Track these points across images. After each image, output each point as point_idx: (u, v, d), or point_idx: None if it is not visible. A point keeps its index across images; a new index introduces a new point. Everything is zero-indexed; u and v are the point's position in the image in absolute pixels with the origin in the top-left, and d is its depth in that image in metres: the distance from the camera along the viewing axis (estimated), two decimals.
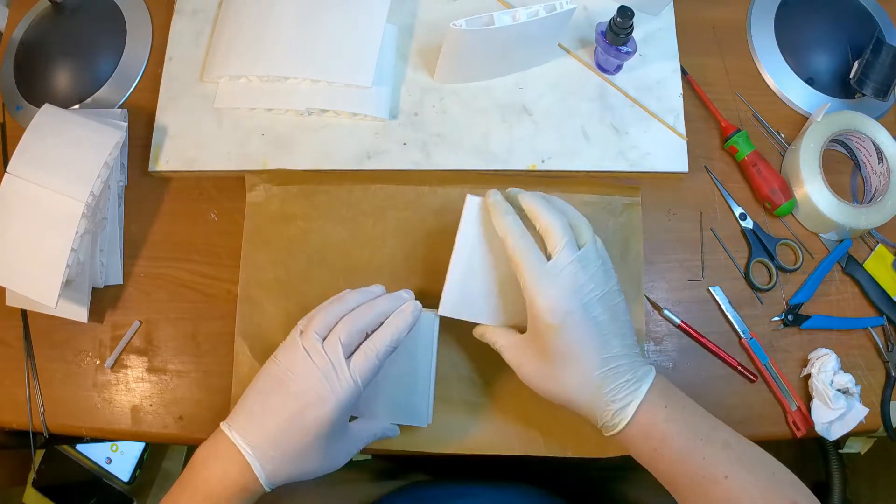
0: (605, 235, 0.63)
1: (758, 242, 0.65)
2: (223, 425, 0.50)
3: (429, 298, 0.57)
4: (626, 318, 0.51)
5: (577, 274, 0.48)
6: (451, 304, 0.55)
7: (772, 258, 0.65)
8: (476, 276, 0.54)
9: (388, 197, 0.65)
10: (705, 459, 0.47)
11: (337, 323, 0.51)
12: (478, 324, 0.56)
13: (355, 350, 0.51)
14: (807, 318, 0.63)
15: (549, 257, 0.49)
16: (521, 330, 0.52)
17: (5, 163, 0.67)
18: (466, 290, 0.54)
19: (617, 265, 0.62)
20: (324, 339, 0.50)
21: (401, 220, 0.64)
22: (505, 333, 0.53)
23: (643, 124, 0.66)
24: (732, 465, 0.47)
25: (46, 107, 0.62)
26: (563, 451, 0.59)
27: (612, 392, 0.48)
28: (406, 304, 0.53)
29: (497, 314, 0.55)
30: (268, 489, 0.50)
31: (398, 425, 0.58)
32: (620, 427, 0.48)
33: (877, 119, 0.66)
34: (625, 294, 0.61)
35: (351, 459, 0.54)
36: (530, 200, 0.51)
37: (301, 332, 0.52)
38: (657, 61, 0.68)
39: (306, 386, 0.49)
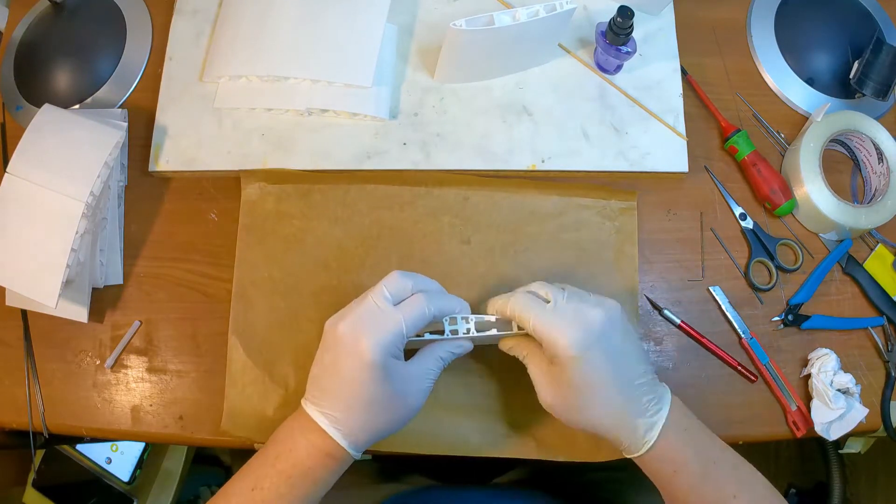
0: (600, 239, 0.64)
1: (758, 242, 0.65)
2: (302, 400, 0.51)
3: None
4: (639, 341, 0.52)
5: (580, 307, 0.49)
6: None
7: (772, 258, 0.65)
8: None
9: (384, 197, 0.65)
10: (717, 481, 0.49)
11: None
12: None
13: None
14: (807, 318, 0.63)
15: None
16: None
17: (5, 163, 0.66)
18: None
19: (611, 269, 0.63)
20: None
21: (396, 221, 0.64)
22: (534, 353, 0.52)
23: (643, 124, 0.66)
24: (741, 486, 0.49)
25: (46, 107, 0.62)
26: (555, 455, 0.59)
27: (636, 414, 0.49)
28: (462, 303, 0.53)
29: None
30: (354, 452, 0.50)
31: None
32: (645, 450, 0.49)
33: (877, 119, 0.66)
34: (619, 297, 0.61)
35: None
36: (501, 302, 0.52)
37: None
38: (657, 61, 0.68)
39: (349, 334, 0.48)
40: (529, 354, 0.52)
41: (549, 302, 0.50)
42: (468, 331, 0.53)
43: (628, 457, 0.50)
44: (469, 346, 0.54)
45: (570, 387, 0.49)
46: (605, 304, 0.50)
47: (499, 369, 0.61)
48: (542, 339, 0.49)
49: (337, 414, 0.49)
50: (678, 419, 0.50)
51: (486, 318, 0.54)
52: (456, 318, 0.53)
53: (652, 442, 0.48)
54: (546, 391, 0.51)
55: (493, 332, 0.54)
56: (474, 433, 0.60)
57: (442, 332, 0.53)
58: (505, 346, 0.55)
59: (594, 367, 0.48)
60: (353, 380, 0.48)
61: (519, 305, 0.50)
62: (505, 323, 0.54)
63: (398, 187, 0.65)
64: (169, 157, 0.67)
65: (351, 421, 0.49)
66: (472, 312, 0.54)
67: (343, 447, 0.49)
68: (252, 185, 0.65)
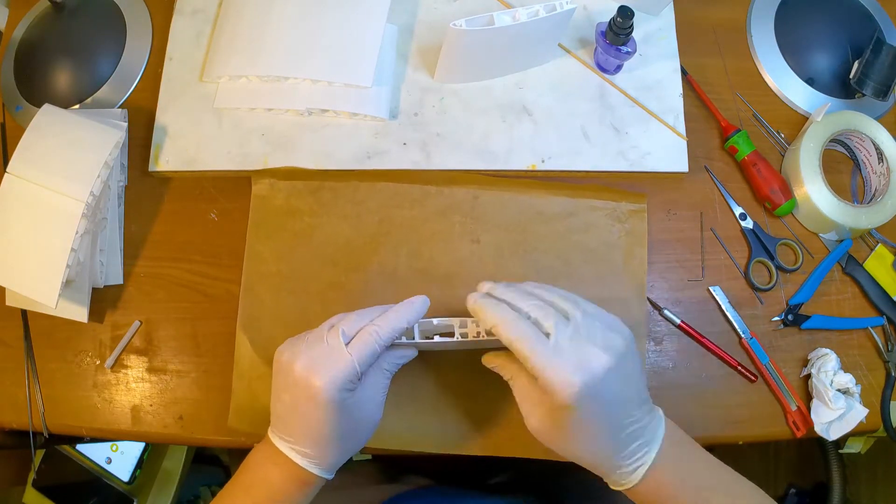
0: (609, 241, 0.63)
1: (758, 242, 0.65)
2: (269, 430, 0.52)
3: (430, 297, 0.58)
4: (641, 375, 0.48)
5: (583, 349, 0.45)
6: None
7: (772, 258, 0.65)
8: None
9: (393, 195, 0.65)
10: None
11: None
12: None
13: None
14: (807, 318, 0.63)
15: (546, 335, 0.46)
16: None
17: (5, 163, 0.66)
18: None
19: (619, 271, 0.63)
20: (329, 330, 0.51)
21: (406, 219, 0.64)
22: (520, 376, 0.49)
23: (643, 124, 0.66)
24: None
25: (46, 107, 0.62)
26: (548, 454, 0.59)
27: (623, 458, 0.47)
28: (416, 296, 0.52)
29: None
30: (328, 476, 0.51)
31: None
32: (630, 486, 0.47)
33: (877, 119, 0.66)
34: (628, 299, 0.61)
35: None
36: (508, 292, 0.49)
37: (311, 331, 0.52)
38: (657, 61, 0.68)
39: (302, 373, 0.48)
40: (516, 378, 0.50)
41: (549, 335, 0.45)
42: (433, 335, 0.53)
43: (615, 488, 0.49)
44: (413, 353, 0.54)
45: (559, 426, 0.46)
46: (613, 343, 0.45)
47: (491, 381, 0.61)
48: (538, 378, 0.45)
49: (306, 449, 0.50)
50: (669, 451, 0.48)
51: (448, 321, 0.53)
52: (430, 321, 0.53)
53: (638, 480, 0.47)
54: (533, 418, 0.48)
55: (474, 338, 0.53)
56: (474, 432, 0.60)
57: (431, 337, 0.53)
58: (489, 363, 0.53)
59: (587, 417, 0.45)
60: (314, 419, 0.49)
61: (514, 333, 0.45)
62: (447, 325, 0.53)
63: (408, 185, 0.65)
64: (169, 157, 0.67)
65: (320, 452, 0.50)
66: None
67: (316, 474, 0.50)
68: (263, 181, 0.65)
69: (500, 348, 0.50)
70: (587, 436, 0.46)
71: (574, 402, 0.44)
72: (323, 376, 0.48)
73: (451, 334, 0.53)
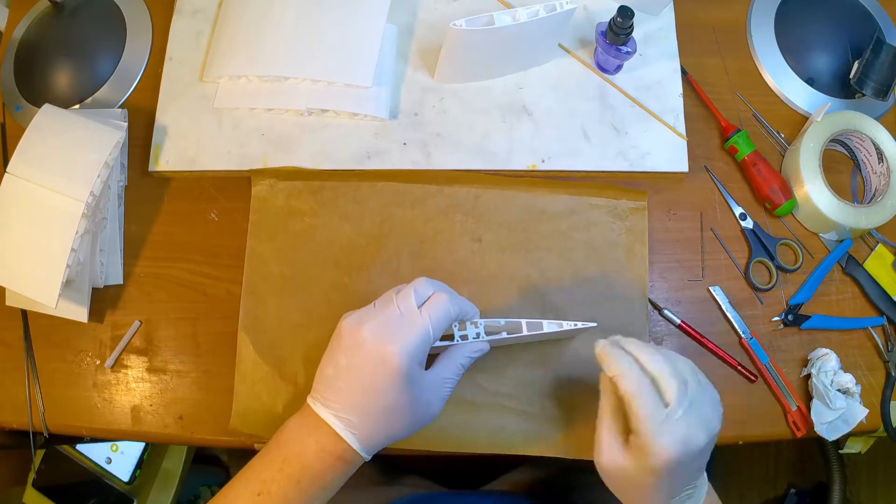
0: (611, 238, 0.64)
1: (758, 242, 0.65)
2: (309, 397, 0.49)
3: None
4: (710, 448, 0.48)
5: (691, 424, 0.45)
6: None
7: (772, 258, 0.65)
8: None
9: (395, 195, 0.65)
10: None
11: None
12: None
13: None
14: (807, 318, 0.63)
15: (664, 404, 0.46)
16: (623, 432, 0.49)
17: (5, 163, 0.66)
18: None
19: (621, 269, 0.63)
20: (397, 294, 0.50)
21: (407, 219, 0.64)
22: (615, 412, 0.49)
23: (643, 124, 0.66)
24: None
25: (46, 107, 0.62)
26: (567, 453, 0.59)
27: None
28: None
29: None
30: (366, 456, 0.49)
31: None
32: None
33: (877, 119, 0.66)
34: (629, 296, 0.62)
35: None
36: (637, 347, 0.48)
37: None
38: (657, 61, 0.68)
39: (372, 338, 0.47)
40: (607, 397, 0.49)
41: (667, 405, 0.45)
42: (478, 335, 0.53)
43: None
44: (486, 347, 0.54)
45: (631, 480, 0.47)
46: (713, 424, 0.46)
47: (507, 365, 0.61)
48: (640, 436, 0.45)
49: (353, 418, 0.47)
50: None
51: (495, 322, 0.54)
52: (465, 323, 0.53)
53: None
54: (607, 458, 0.48)
55: (504, 335, 0.54)
56: (482, 431, 0.60)
57: (452, 338, 0.53)
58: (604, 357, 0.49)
59: (662, 480, 0.46)
60: (374, 386, 0.46)
61: (634, 389, 0.45)
62: (515, 325, 0.54)
63: (409, 185, 0.65)
64: (169, 157, 0.67)
65: (367, 426, 0.47)
66: (483, 313, 0.55)
67: (356, 451, 0.48)
68: (263, 182, 0.65)
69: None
70: (649, 494, 0.47)
71: (664, 472, 0.45)
72: (396, 342, 0.46)
73: (519, 329, 0.54)
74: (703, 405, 0.46)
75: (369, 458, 0.49)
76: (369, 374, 0.46)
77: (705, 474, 0.50)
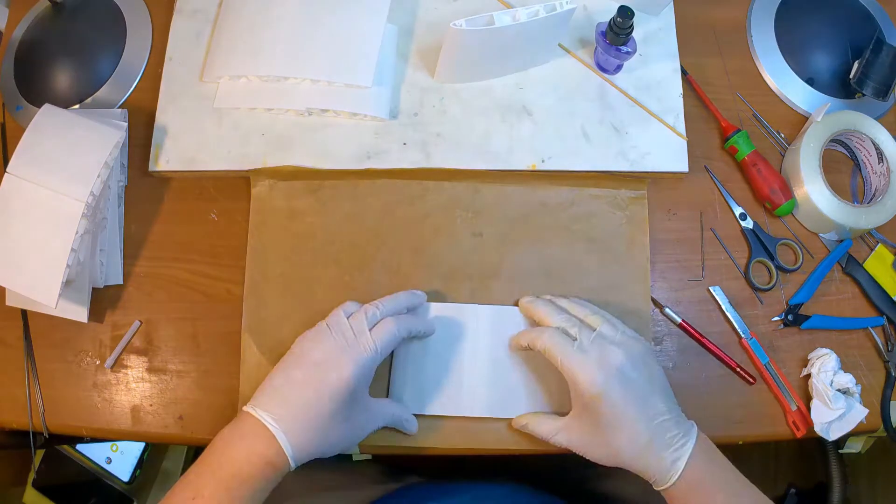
0: (611, 229, 0.64)
1: (758, 242, 0.65)
2: (247, 406, 0.52)
3: (434, 294, 0.61)
4: (664, 380, 0.54)
5: (603, 347, 0.53)
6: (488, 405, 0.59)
7: (772, 258, 0.65)
8: (505, 374, 0.60)
9: (394, 192, 0.65)
10: None
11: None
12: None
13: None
14: (807, 318, 0.63)
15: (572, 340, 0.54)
16: (560, 414, 0.56)
17: (5, 163, 0.66)
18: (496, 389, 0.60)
19: (623, 259, 0.63)
20: (349, 317, 0.55)
21: (407, 216, 0.64)
22: (548, 420, 0.56)
23: (643, 124, 0.66)
24: None
25: (46, 107, 0.62)
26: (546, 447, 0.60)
27: (661, 447, 0.51)
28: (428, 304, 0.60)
29: (531, 404, 0.59)
30: (293, 464, 0.51)
31: (416, 420, 0.59)
32: (672, 481, 0.50)
33: (877, 119, 0.66)
34: (631, 286, 0.63)
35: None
36: (539, 306, 0.58)
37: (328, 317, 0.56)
38: (657, 61, 0.68)
39: (327, 354, 0.52)
40: (545, 426, 0.56)
41: (576, 340, 0.53)
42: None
43: (658, 489, 0.52)
44: (414, 427, 0.59)
45: (595, 424, 0.52)
46: (627, 344, 0.54)
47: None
48: (567, 377, 0.53)
49: (292, 425, 0.50)
50: (704, 452, 0.51)
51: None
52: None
53: (679, 473, 0.50)
54: (575, 437, 0.54)
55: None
56: (488, 430, 0.60)
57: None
58: (518, 424, 0.59)
59: (614, 403, 0.51)
60: (321, 398, 0.51)
61: (548, 343, 0.54)
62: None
63: (408, 182, 0.65)
64: (169, 157, 0.67)
65: (302, 435, 0.50)
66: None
67: (286, 456, 0.50)
68: (262, 182, 0.65)
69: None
70: (620, 426, 0.51)
71: (596, 389, 0.51)
72: (349, 361, 0.52)
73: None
74: (613, 334, 0.54)
75: (294, 467, 0.51)
76: (317, 388, 0.51)
77: (693, 423, 0.53)
